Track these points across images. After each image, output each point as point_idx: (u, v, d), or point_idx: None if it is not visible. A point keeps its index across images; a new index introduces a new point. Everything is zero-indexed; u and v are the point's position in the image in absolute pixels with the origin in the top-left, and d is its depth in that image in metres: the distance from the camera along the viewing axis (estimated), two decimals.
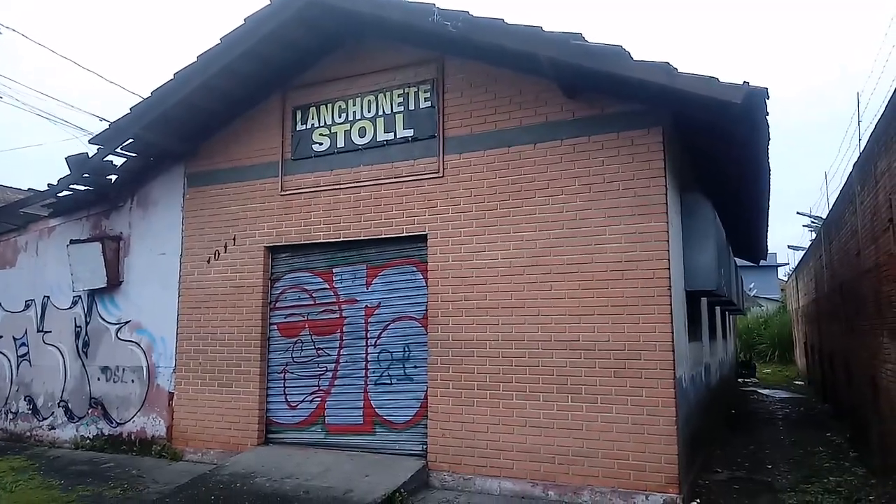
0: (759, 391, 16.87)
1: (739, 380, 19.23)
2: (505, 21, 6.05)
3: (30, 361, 9.62)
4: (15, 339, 9.80)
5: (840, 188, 10.05)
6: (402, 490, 6.19)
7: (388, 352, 7.32)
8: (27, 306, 9.75)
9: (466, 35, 6.21)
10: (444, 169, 7.05)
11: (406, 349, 7.22)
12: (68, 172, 8.52)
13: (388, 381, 7.27)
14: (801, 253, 21.17)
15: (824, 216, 15.57)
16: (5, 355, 9.87)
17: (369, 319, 7.47)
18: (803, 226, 34.59)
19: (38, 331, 9.60)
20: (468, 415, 6.64)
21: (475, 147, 6.92)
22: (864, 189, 7.46)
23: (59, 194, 9.08)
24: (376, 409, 7.29)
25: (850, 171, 8.54)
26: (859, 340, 8.28)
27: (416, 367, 7.13)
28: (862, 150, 8.19)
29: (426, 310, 7.07)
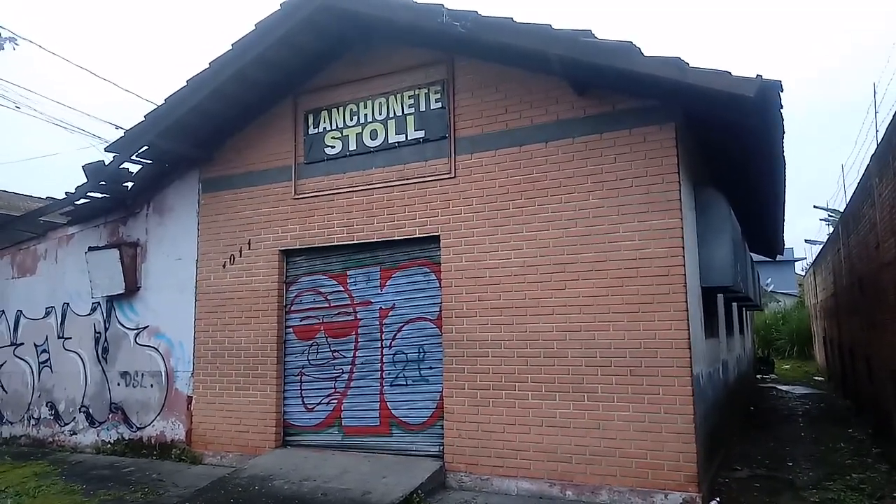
0: (778, 387, 16.67)
1: (758, 376, 19.02)
2: (514, 20, 6.04)
3: (51, 368, 9.76)
4: (36, 345, 9.95)
5: (858, 180, 9.91)
6: (420, 491, 6.20)
7: (404, 353, 7.33)
8: (47, 313, 9.89)
9: (475, 35, 6.20)
10: (455, 169, 7.06)
11: (421, 350, 7.23)
12: (85, 180, 8.66)
13: (404, 383, 7.29)
14: (819, 247, 20.89)
15: (842, 209, 15.37)
16: (27, 362, 10.02)
17: (384, 321, 7.49)
18: (820, 219, 34.17)
19: (59, 337, 9.73)
20: (484, 415, 6.63)
21: (486, 147, 6.92)
22: (882, 181, 7.35)
23: (77, 202, 9.21)
24: (392, 411, 7.31)
25: (868, 162, 8.42)
26: (880, 334, 8.15)
27: (431, 368, 7.14)
28: (879, 141, 8.07)
29: (440, 310, 7.07)
